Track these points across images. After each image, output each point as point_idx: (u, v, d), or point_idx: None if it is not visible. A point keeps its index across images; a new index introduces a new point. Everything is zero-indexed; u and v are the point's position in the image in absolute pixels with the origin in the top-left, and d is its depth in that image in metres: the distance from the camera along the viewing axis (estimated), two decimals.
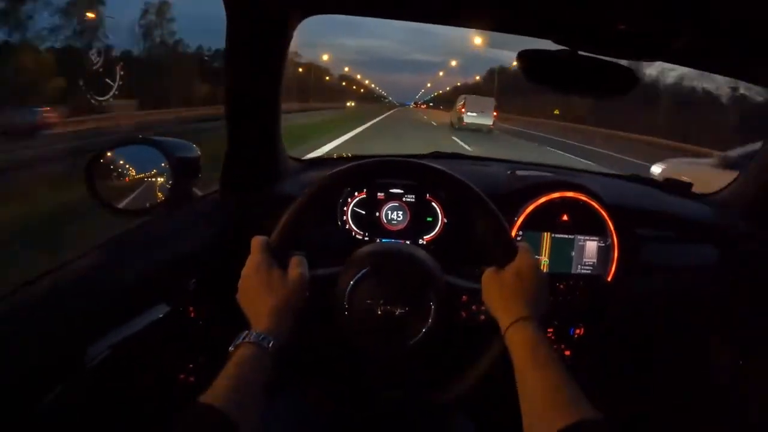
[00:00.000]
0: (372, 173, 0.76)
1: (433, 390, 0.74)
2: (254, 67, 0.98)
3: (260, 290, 0.65)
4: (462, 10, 0.91)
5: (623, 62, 0.88)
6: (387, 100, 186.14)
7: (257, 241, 0.68)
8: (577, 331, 1.12)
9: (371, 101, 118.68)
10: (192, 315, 0.89)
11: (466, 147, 11.77)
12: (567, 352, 1.12)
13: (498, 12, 0.88)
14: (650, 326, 1.25)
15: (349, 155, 1.37)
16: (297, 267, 0.68)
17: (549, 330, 1.11)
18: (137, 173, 0.92)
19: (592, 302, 1.11)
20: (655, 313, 1.23)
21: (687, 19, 0.74)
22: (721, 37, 0.80)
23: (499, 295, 0.67)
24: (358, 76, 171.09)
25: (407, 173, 0.80)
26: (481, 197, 0.71)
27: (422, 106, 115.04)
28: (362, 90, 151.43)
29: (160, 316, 0.78)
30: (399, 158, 0.79)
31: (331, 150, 9.31)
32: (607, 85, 0.91)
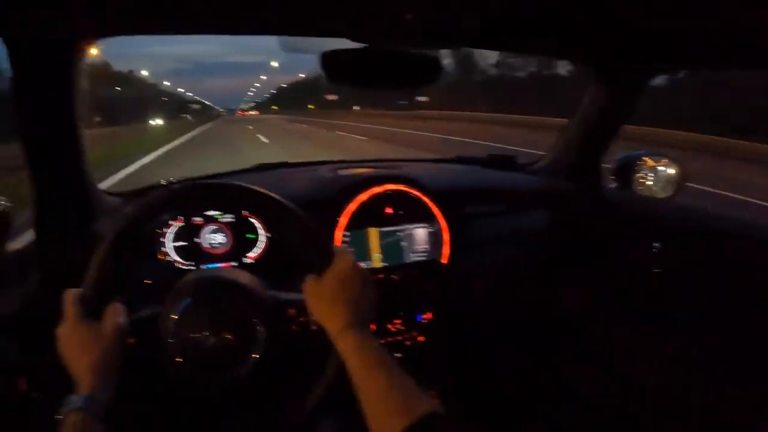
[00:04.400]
0: (172, 202, 0.71)
1: (285, 408, 0.73)
2: (45, 101, 0.88)
3: (76, 349, 0.62)
4: (252, 18, 0.88)
5: (425, 52, 0.91)
6: (205, 107, 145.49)
7: (68, 296, 0.65)
8: (425, 316, 1.16)
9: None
10: (24, 387, 0.81)
11: None
12: (421, 338, 1.15)
13: (289, 16, 0.86)
14: (497, 297, 1.32)
15: (168, 181, 1.23)
16: (112, 317, 0.65)
17: (396, 321, 1.12)
18: None
19: (432, 286, 1.16)
20: (499, 284, 1.31)
21: (474, 5, 0.77)
22: (512, 17, 0.83)
23: (322, 303, 0.64)
24: (167, 83, 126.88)
25: (205, 196, 0.77)
26: (286, 206, 0.69)
27: (250, 113, 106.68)
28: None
29: None
30: (197, 181, 0.75)
31: None
32: (412, 76, 0.93)
